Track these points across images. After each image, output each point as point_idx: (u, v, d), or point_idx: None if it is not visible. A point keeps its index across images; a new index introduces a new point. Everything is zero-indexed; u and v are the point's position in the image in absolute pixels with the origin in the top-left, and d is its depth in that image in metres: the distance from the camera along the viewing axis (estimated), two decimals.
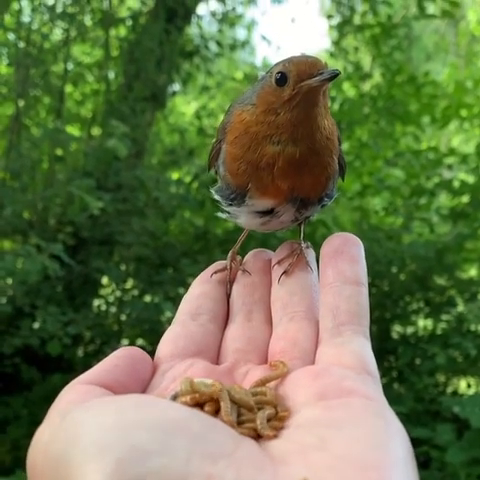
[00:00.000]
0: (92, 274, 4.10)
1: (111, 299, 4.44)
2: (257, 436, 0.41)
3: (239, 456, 0.36)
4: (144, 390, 0.47)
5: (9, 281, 3.64)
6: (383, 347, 3.94)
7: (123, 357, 0.48)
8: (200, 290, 0.59)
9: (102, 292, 4.53)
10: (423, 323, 4.28)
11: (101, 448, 0.35)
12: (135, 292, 4.33)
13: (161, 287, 3.92)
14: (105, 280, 4.45)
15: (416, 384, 3.58)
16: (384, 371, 4.04)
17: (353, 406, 0.41)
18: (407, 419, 3.02)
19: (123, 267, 4.50)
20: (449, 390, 3.89)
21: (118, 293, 4.40)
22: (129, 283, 4.44)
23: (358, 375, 0.44)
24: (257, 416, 0.42)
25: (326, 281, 0.52)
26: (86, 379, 0.46)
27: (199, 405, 0.44)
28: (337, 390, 0.42)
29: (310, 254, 0.62)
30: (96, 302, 4.43)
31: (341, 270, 0.51)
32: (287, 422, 0.42)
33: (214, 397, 0.44)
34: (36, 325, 3.65)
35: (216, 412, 0.43)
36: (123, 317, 4.14)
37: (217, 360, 0.52)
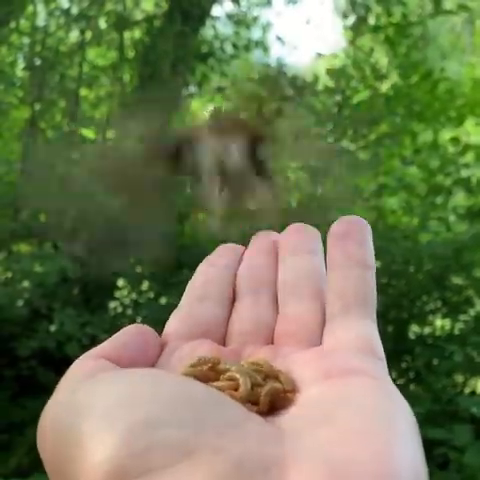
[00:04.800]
0: (108, 276, 4.11)
1: (127, 301, 4.45)
2: (264, 413, 0.41)
3: (247, 430, 0.36)
4: (152, 367, 0.47)
5: (26, 284, 3.66)
6: (400, 347, 3.92)
7: (133, 334, 0.49)
8: (206, 273, 0.59)
9: (117, 294, 4.54)
10: (440, 323, 4.26)
11: (111, 419, 0.36)
12: (151, 294, 4.34)
13: (177, 288, 3.93)
14: (121, 282, 4.46)
15: (433, 385, 3.56)
16: (401, 372, 4.02)
17: (359, 384, 0.40)
18: (425, 420, 3.00)
19: (139, 269, 4.51)
20: (467, 391, 3.86)
21: (134, 295, 4.41)
22: (145, 285, 4.45)
23: (365, 356, 0.44)
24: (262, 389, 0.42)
25: (333, 263, 0.51)
26: (96, 353, 0.46)
27: (208, 381, 0.44)
28: (343, 369, 0.42)
29: (317, 235, 0.61)
30: (112, 304, 4.44)
31: (349, 253, 0.50)
32: (293, 399, 0.42)
33: (231, 374, 0.44)
34: (53, 327, 3.66)
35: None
36: (139, 319, 4.14)
37: (223, 342, 0.52)
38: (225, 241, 0.63)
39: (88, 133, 4.74)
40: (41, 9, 4.54)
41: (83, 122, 4.67)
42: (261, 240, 0.61)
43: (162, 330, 0.52)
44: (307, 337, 0.48)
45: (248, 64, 6.41)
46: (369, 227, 0.52)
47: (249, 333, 0.51)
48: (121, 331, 0.48)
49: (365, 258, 0.50)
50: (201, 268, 0.59)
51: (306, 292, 0.52)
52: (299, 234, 0.58)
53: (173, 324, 0.52)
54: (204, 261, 0.59)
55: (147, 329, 0.49)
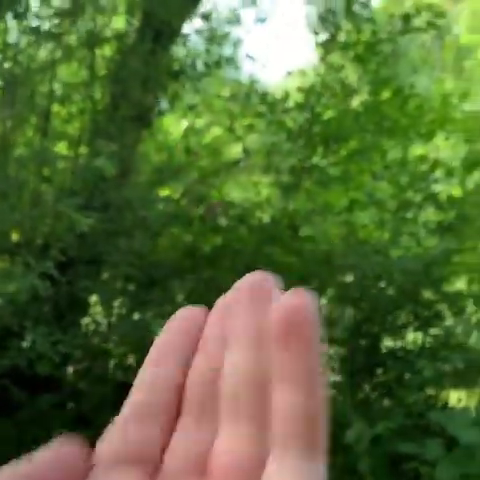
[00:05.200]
0: (79, 293, 4.08)
1: (99, 318, 4.42)
2: None
3: None
4: None
5: None
6: (372, 362, 3.94)
7: (53, 458, 0.42)
8: (152, 372, 0.46)
9: (90, 311, 4.51)
10: (412, 337, 4.28)
11: None
12: (123, 311, 4.32)
13: (150, 305, 3.91)
14: (93, 299, 4.44)
15: (405, 399, 3.57)
16: (373, 386, 4.04)
17: None
18: (396, 434, 3.01)
19: (111, 286, 4.48)
20: (439, 404, 3.88)
21: (106, 312, 4.38)
22: (117, 302, 4.42)
23: None
24: None
25: (276, 374, 0.38)
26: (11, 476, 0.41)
27: None
28: None
29: (271, 296, 0.42)
30: (84, 321, 4.41)
31: (291, 361, 0.36)
32: None
33: None
34: (24, 345, 3.63)
35: None
36: (112, 336, 4.12)
37: (160, 464, 0.44)
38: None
39: (61, 149, 4.72)
40: (13, 26, 4.53)
41: (55, 137, 4.65)
42: (213, 322, 0.45)
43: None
44: (243, 476, 0.41)
45: (220, 81, 6.43)
46: (314, 310, 0.35)
47: (183, 460, 0.43)
48: (41, 452, 0.41)
49: (312, 366, 0.36)
50: (151, 355, 0.45)
51: (246, 408, 0.40)
52: (249, 305, 0.41)
53: (106, 442, 0.44)
54: (154, 343, 0.45)
55: (71, 451, 0.41)
